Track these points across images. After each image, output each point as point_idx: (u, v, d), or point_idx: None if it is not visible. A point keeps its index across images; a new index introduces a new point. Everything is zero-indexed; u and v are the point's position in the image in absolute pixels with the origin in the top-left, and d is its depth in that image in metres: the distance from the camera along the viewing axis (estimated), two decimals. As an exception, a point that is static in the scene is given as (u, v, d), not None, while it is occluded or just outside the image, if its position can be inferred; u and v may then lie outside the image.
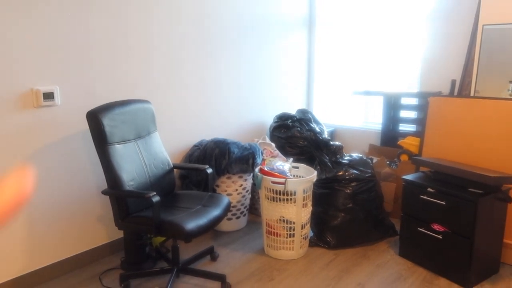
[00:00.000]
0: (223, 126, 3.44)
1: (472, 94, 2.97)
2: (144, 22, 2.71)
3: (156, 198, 2.01)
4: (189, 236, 2.01)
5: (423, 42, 3.57)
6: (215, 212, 2.24)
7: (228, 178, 2.99)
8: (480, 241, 2.33)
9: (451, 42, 3.39)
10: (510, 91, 2.95)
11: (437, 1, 3.43)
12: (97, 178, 2.59)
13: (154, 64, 2.82)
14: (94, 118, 2.12)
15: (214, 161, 2.91)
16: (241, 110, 3.61)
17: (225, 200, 2.39)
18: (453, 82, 3.40)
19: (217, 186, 3.02)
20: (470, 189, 2.36)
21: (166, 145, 2.95)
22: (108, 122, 2.16)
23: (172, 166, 2.55)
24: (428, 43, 3.54)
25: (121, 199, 2.14)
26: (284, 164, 2.77)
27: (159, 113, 2.88)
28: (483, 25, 2.84)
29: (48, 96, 2.28)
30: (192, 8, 3.01)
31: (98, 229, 2.67)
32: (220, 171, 2.92)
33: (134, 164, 2.26)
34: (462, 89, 3.33)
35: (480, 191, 2.32)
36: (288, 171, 2.69)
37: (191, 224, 2.04)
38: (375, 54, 3.99)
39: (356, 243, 2.86)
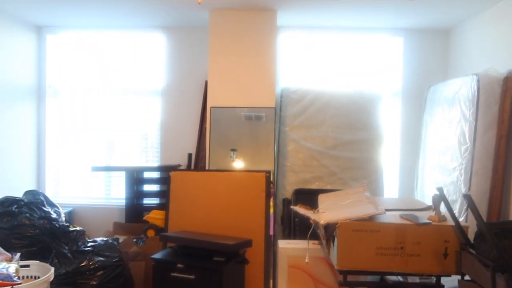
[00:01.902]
0: None
1: (207, 167, 3.27)
2: None
3: None
4: None
5: (159, 117, 3.76)
6: None
7: None
8: (227, 307, 2.45)
9: (185, 119, 3.71)
10: (232, 157, 3.42)
11: (166, 81, 3.73)
12: None
13: None
14: None
15: None
16: None
17: None
18: (190, 156, 3.68)
19: None
20: (215, 258, 2.49)
21: None
22: None
23: None
24: (163, 119, 3.75)
25: None
26: (7, 265, 2.21)
27: None
28: (211, 107, 3.24)
29: None
30: None
31: None
32: None
33: None
34: (198, 162, 3.64)
35: (223, 259, 2.48)
36: (14, 274, 2.16)
37: None
38: (115, 127, 3.91)
39: None
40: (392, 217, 2.15)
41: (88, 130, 3.93)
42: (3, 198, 3.08)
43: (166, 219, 3.09)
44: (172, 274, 2.48)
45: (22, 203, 3.09)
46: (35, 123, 3.80)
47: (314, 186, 3.38)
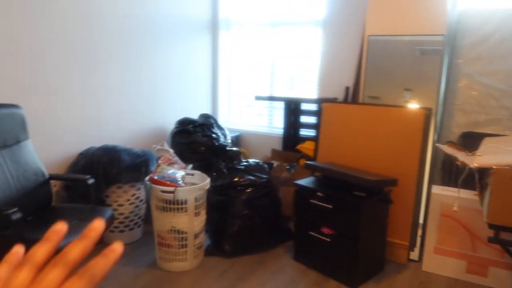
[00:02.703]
0: (116, 132, 3.23)
1: (360, 100, 3.11)
2: (19, 18, 2.43)
3: (16, 215, 1.78)
4: (58, 256, 1.80)
5: (320, 50, 3.70)
6: (94, 227, 2.05)
7: (119, 187, 2.79)
8: (365, 241, 2.42)
9: (344, 51, 3.55)
10: (405, 98, 3.14)
11: (328, 11, 3.57)
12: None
13: (31, 67, 2.54)
14: None
15: (102, 170, 2.69)
16: (138, 115, 3.42)
17: (108, 213, 2.21)
18: (347, 89, 3.56)
19: (107, 196, 2.80)
20: (355, 192, 2.45)
21: (45, 154, 2.67)
22: (-40, 129, 1.87)
23: (47, 176, 2.30)
24: (323, 51, 3.67)
25: (-24, 217, 1.86)
26: (177, 172, 2.65)
27: (37, 120, 2.60)
28: (368, 36, 2.99)
29: None
30: (76, 6, 2.77)
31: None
32: (109, 181, 2.71)
33: (-5, 177, 1.99)
34: (355, 95, 3.49)
35: (364, 194, 2.41)
36: (180, 179, 2.58)
37: (62, 243, 1.84)
38: (279, 59, 4.04)
39: (253, 250, 2.83)
40: None
41: (255, 60, 4.17)
42: (182, 118, 3.64)
43: (316, 150, 3.14)
44: (312, 200, 2.56)
45: (197, 124, 3.59)
46: (210, 54, 4.24)
47: (488, 130, 2.87)
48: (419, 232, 2.79)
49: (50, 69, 2.67)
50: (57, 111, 2.75)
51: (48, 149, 2.70)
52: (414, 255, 2.79)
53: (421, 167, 2.70)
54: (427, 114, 2.68)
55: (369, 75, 3.15)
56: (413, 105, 2.92)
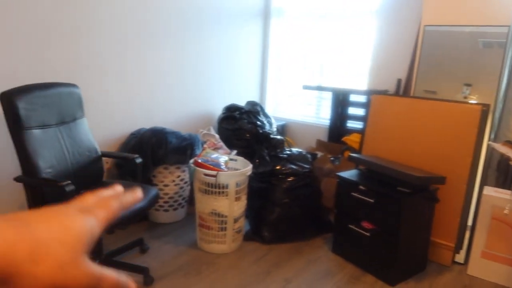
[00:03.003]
0: (166, 115, 3.34)
1: (412, 93, 2.99)
2: (79, 1, 2.57)
3: (70, 187, 1.91)
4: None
5: (372, 40, 3.58)
6: (139, 204, 2.16)
7: (165, 168, 2.91)
8: (405, 239, 2.35)
9: (398, 42, 3.41)
10: (464, 94, 2.98)
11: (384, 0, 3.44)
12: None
13: (89, 48, 2.69)
14: (8, 100, 1.99)
15: (150, 151, 2.82)
16: (187, 100, 3.52)
17: (152, 192, 2.31)
18: (399, 81, 3.43)
19: (154, 176, 2.93)
20: (399, 188, 2.38)
21: (99, 132, 2.83)
22: (24, 105, 2.03)
23: (100, 154, 2.45)
24: (376, 41, 3.55)
25: (36, 187, 2.03)
26: (220, 157, 2.71)
27: (92, 99, 2.76)
28: (424, 26, 2.85)
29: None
30: (134, -10, 2.89)
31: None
32: (156, 161, 2.83)
33: (53, 151, 2.15)
34: (407, 88, 3.36)
35: (408, 190, 2.33)
36: (223, 164, 2.64)
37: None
38: (329, 50, 3.97)
39: (291, 239, 2.84)
40: None
41: (305, 49, 4.13)
42: (230, 104, 3.69)
43: (361, 142, 3.07)
44: (353, 194, 2.51)
45: (243, 110, 3.63)
46: (261, 42, 4.24)
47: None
48: (467, 234, 2.66)
49: (106, 52, 2.81)
50: (111, 92, 2.89)
51: (101, 127, 2.86)
52: (460, 257, 2.67)
53: (474, 166, 2.56)
54: (484, 110, 2.52)
55: (424, 68, 3.01)
56: (472, 101, 2.76)
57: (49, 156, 2.11)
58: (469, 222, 2.66)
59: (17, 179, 2.02)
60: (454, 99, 2.86)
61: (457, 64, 2.88)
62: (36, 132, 2.08)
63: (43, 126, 2.13)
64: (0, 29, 2.25)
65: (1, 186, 2.40)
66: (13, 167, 2.44)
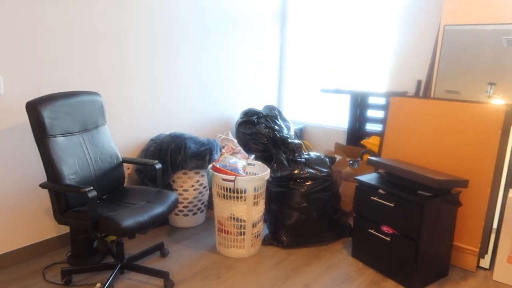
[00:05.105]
0: (184, 120, 3.39)
1: (432, 95, 2.94)
2: (98, 11, 2.64)
3: (92, 193, 1.96)
4: (126, 233, 1.97)
5: (392, 41, 3.54)
6: (159, 209, 2.20)
7: (184, 173, 2.94)
8: (427, 243, 2.31)
9: (417, 42, 3.37)
10: (488, 93, 2.92)
11: (404, 1, 3.39)
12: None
13: (110, 57, 2.75)
14: (33, 109, 2.06)
15: (169, 156, 2.86)
16: (205, 105, 3.56)
17: (172, 197, 2.35)
18: (419, 83, 3.38)
19: (173, 181, 2.97)
20: (419, 192, 2.34)
21: (120, 139, 2.90)
22: (49, 113, 2.10)
23: (121, 160, 2.50)
24: (395, 42, 3.51)
25: (60, 192, 2.09)
26: (238, 161, 2.72)
27: (112, 106, 2.82)
28: (444, 26, 2.81)
29: (-11, 85, 2.21)
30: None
31: (46, 222, 2.61)
32: (175, 167, 2.87)
33: (77, 158, 2.21)
34: (427, 89, 3.31)
35: (429, 194, 2.29)
36: (241, 169, 2.66)
37: (129, 221, 2.00)
38: (346, 52, 3.95)
39: (310, 243, 2.83)
40: None
41: (322, 52, 4.11)
42: (247, 109, 3.71)
43: (381, 145, 3.04)
44: (373, 197, 2.49)
45: (261, 115, 3.64)
46: (278, 46, 4.25)
47: None
48: (492, 239, 2.59)
49: (126, 60, 2.87)
50: (131, 99, 2.96)
51: (122, 134, 2.92)
52: (485, 262, 2.60)
53: (498, 169, 2.49)
54: (508, 111, 2.46)
55: (445, 68, 2.96)
56: (497, 101, 2.69)
57: (73, 162, 2.18)
58: (494, 226, 2.59)
59: (42, 185, 2.08)
60: (477, 98, 2.81)
61: (479, 62, 2.82)
62: (60, 139, 2.15)
63: (66, 133, 2.19)
64: (25, 40, 2.34)
65: (27, 192, 2.49)
66: (39, 173, 2.52)
